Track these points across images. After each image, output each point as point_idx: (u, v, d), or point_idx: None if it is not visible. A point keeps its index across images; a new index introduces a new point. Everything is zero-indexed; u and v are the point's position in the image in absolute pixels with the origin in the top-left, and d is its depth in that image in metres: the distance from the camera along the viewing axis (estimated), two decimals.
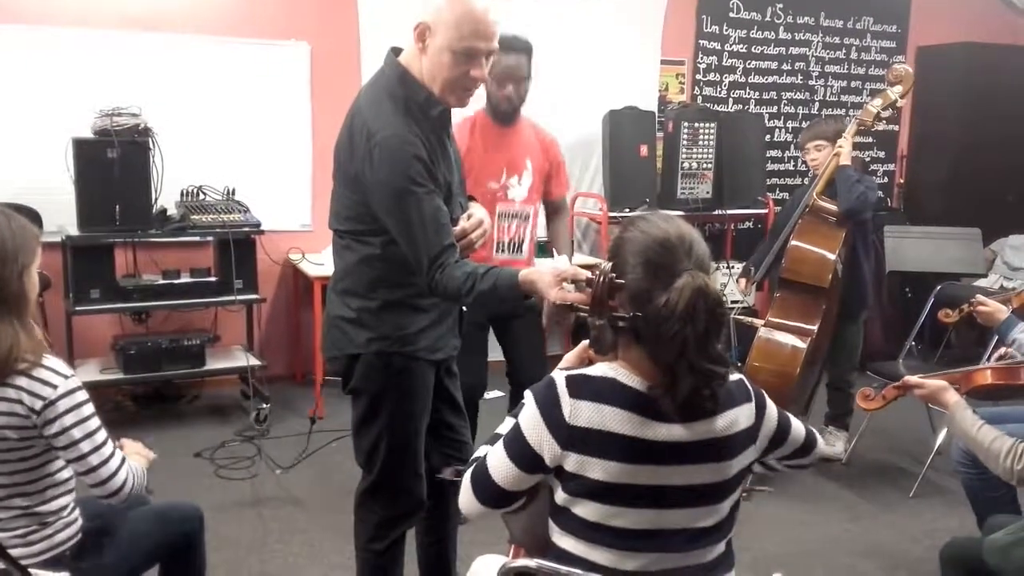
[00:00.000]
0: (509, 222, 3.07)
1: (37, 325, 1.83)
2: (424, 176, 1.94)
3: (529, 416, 1.44)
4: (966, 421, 2.21)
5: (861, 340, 3.98)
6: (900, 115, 6.03)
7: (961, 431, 2.24)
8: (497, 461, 1.48)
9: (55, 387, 1.74)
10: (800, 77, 5.83)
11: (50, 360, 1.77)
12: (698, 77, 5.54)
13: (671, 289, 1.36)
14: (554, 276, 1.75)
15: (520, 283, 1.84)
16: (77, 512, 1.89)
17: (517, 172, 3.06)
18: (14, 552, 1.66)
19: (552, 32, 4.91)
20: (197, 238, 4.27)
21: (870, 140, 6.02)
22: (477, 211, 2.15)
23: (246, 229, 4.10)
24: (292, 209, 4.66)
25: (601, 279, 1.46)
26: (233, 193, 4.28)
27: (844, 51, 5.92)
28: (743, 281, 3.97)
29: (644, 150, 5.04)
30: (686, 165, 5.08)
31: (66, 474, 1.85)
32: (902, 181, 6.23)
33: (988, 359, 3.00)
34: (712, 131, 5.11)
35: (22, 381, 1.72)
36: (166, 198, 4.09)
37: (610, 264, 1.48)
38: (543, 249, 3.52)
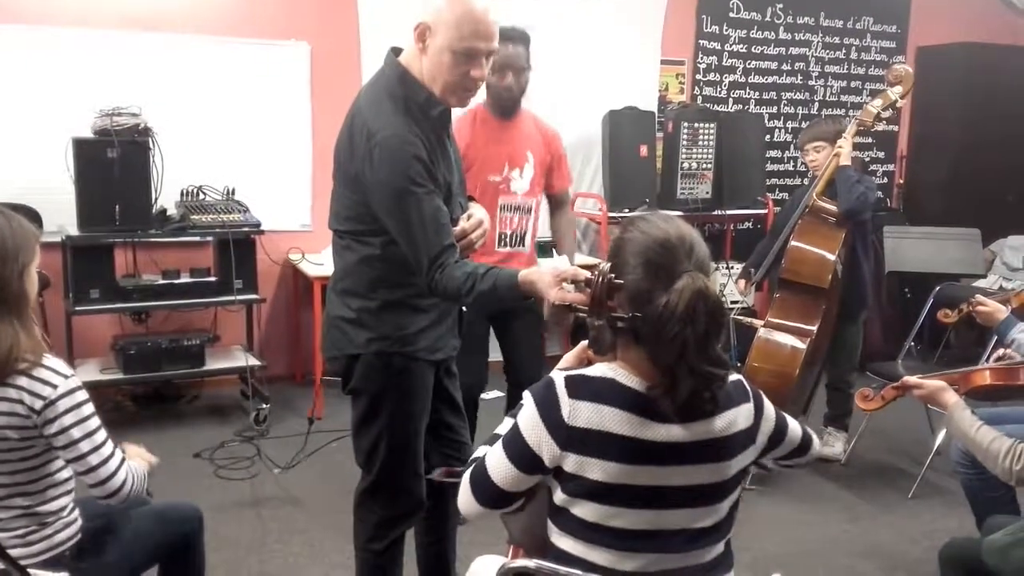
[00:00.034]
0: (511, 215, 3.07)
1: (36, 325, 1.83)
2: (424, 176, 1.94)
3: (528, 417, 1.44)
4: (965, 422, 2.21)
5: (861, 340, 3.98)
6: (900, 115, 6.03)
7: (960, 432, 2.24)
8: (496, 462, 1.48)
9: (55, 387, 1.74)
10: (800, 77, 5.83)
11: (50, 360, 1.77)
12: (698, 77, 5.54)
13: (671, 291, 1.36)
14: (554, 276, 1.75)
15: (520, 283, 1.84)
16: (77, 512, 1.89)
17: (519, 165, 3.06)
18: (14, 552, 1.66)
19: (552, 32, 4.91)
20: (197, 238, 4.28)
21: (870, 140, 6.02)
22: (477, 211, 2.15)
23: (246, 229, 4.10)
24: (292, 209, 4.66)
25: (600, 279, 1.46)
26: (233, 193, 4.28)
27: (844, 51, 5.93)
28: (742, 282, 3.97)
29: (644, 150, 5.04)
30: (686, 165, 5.08)
31: (66, 474, 1.85)
32: (901, 181, 6.23)
33: (987, 359, 3.00)
34: (712, 131, 5.11)
35: (23, 381, 1.73)
36: (166, 198, 4.09)
37: (609, 264, 1.48)
38: (544, 249, 3.52)
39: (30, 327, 1.78)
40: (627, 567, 1.43)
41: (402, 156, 1.92)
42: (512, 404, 2.13)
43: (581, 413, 1.40)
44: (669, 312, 1.34)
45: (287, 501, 3.39)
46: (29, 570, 1.58)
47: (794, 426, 1.61)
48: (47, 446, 1.78)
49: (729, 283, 4.79)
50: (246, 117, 4.52)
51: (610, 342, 1.48)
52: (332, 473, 3.58)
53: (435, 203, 1.95)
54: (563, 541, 1.47)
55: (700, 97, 5.55)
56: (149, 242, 4.24)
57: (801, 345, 3.43)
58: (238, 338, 4.44)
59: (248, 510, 3.30)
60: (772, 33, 5.68)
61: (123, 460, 1.84)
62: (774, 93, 5.78)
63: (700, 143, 5.09)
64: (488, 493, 1.50)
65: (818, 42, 5.83)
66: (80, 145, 3.80)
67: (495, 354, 3.22)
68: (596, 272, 1.48)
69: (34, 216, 3.79)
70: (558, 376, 1.45)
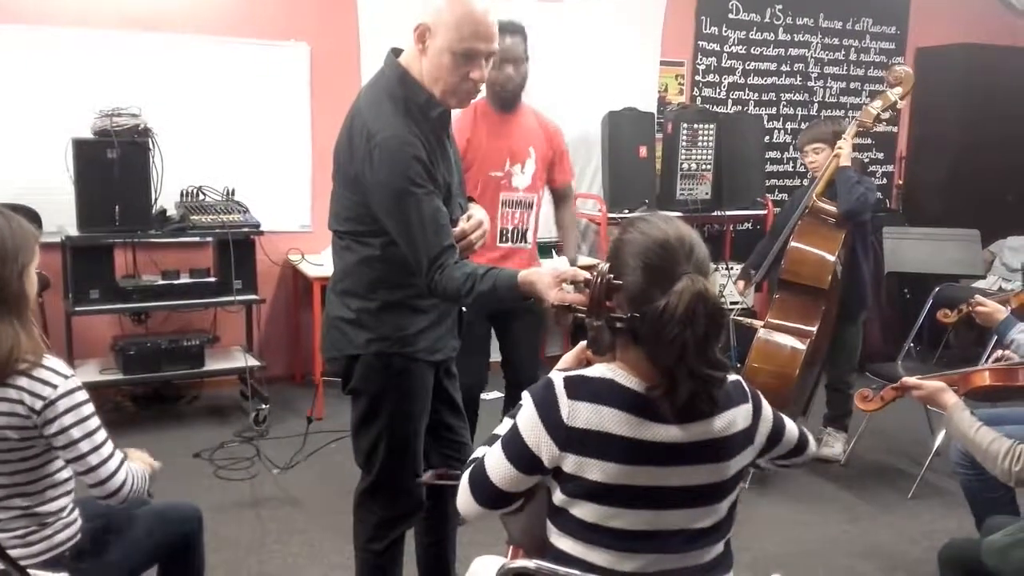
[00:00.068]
0: (512, 210, 3.07)
1: (35, 325, 1.83)
2: (423, 177, 1.94)
3: (527, 417, 1.45)
4: (964, 422, 2.21)
5: (860, 341, 3.98)
6: (899, 116, 6.04)
7: (959, 432, 2.24)
8: (495, 462, 1.48)
9: (55, 387, 1.74)
10: (799, 78, 5.84)
11: (50, 360, 1.77)
12: (697, 78, 5.55)
13: (670, 293, 1.36)
14: (553, 277, 1.75)
15: (519, 284, 1.84)
16: (76, 513, 1.89)
17: (520, 160, 3.06)
18: (13, 553, 1.66)
19: (552, 33, 4.92)
20: (197, 239, 4.28)
21: (869, 141, 6.03)
22: (477, 212, 2.15)
23: (246, 230, 4.10)
24: (292, 210, 4.66)
25: (598, 280, 1.46)
26: (233, 194, 4.29)
27: (843, 52, 5.93)
28: (742, 283, 3.98)
29: (643, 151, 5.05)
30: (685, 166, 5.08)
31: (66, 474, 1.85)
32: (901, 182, 6.23)
33: (986, 360, 3.00)
34: (711, 132, 5.11)
35: (23, 381, 1.73)
36: (166, 198, 4.10)
37: (607, 265, 1.48)
38: (544, 250, 3.52)
39: (30, 328, 1.78)
40: (626, 567, 1.43)
41: (402, 157, 1.92)
42: (511, 404, 2.13)
43: (580, 414, 1.40)
44: (669, 314, 1.34)
45: (287, 501, 3.39)
46: (29, 570, 1.58)
47: (791, 427, 1.62)
48: (47, 446, 1.78)
49: (728, 284, 4.80)
50: (246, 118, 4.52)
51: (609, 342, 1.48)
52: (332, 474, 3.58)
53: (435, 204, 1.95)
54: (562, 541, 1.47)
55: (699, 98, 5.55)
56: (149, 242, 4.24)
57: (801, 346, 3.43)
58: (238, 339, 4.44)
59: (248, 510, 3.30)
60: (771, 34, 5.69)
61: (123, 460, 1.84)
62: (773, 94, 5.78)
63: (699, 144, 5.09)
64: (487, 493, 1.50)
65: (817, 43, 5.83)
66: (80, 145, 3.80)
67: (496, 355, 3.23)
68: (595, 273, 1.48)
69: (34, 216, 3.79)
70: (557, 377, 1.45)
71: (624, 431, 1.39)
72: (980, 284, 4.95)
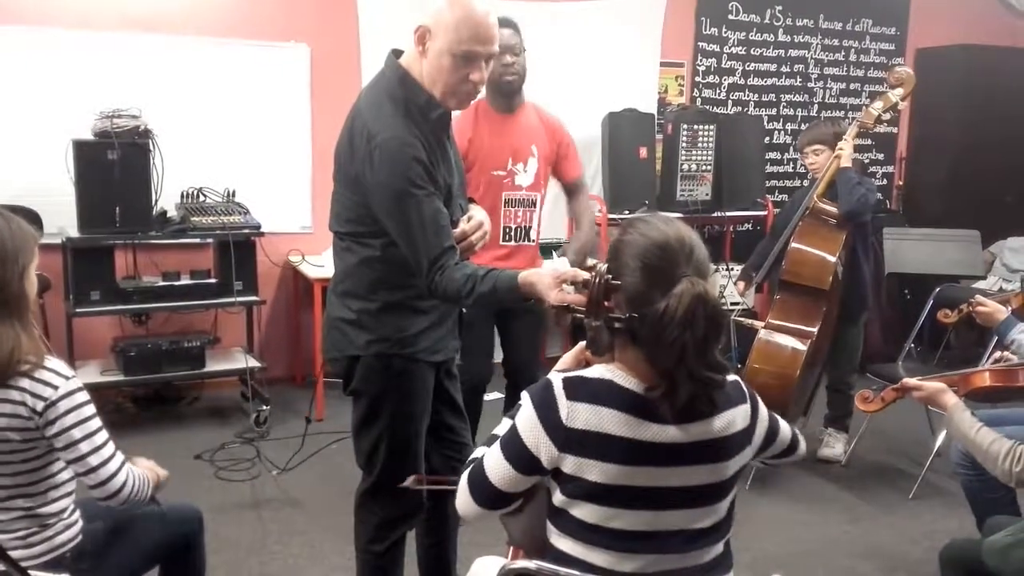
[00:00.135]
0: (515, 209, 3.07)
1: (36, 327, 1.84)
2: (424, 178, 1.94)
3: (526, 418, 1.45)
4: (964, 423, 2.22)
5: (861, 342, 3.98)
6: (899, 117, 6.03)
7: (960, 433, 2.24)
8: (494, 463, 1.48)
9: (56, 388, 1.74)
10: (799, 79, 5.84)
11: (52, 361, 1.78)
12: (697, 79, 5.55)
13: (670, 295, 1.36)
14: (554, 278, 1.76)
15: (520, 285, 1.85)
16: (78, 514, 1.89)
17: (522, 159, 3.06)
18: (14, 554, 1.66)
19: (551, 34, 4.92)
20: (197, 240, 4.28)
21: (869, 142, 6.02)
22: (477, 213, 2.16)
23: (246, 231, 4.10)
24: (292, 211, 4.67)
25: (597, 280, 1.46)
26: (233, 195, 4.29)
27: (843, 53, 5.93)
28: (742, 284, 3.98)
29: (643, 152, 5.05)
30: (685, 167, 5.09)
31: (67, 476, 1.85)
32: (901, 183, 6.23)
33: (987, 360, 3.00)
34: (711, 133, 5.11)
35: (24, 383, 1.73)
36: (166, 200, 4.10)
37: (606, 265, 1.48)
38: (545, 250, 3.52)
39: (31, 329, 1.78)
40: (626, 568, 1.43)
41: (402, 158, 1.93)
42: (511, 404, 2.13)
43: (579, 415, 1.41)
44: (669, 317, 1.34)
45: (287, 503, 3.39)
46: (30, 572, 1.58)
47: (785, 427, 1.63)
48: (48, 448, 1.78)
49: (729, 285, 4.80)
50: (246, 119, 4.53)
51: (608, 343, 1.48)
52: (332, 475, 3.58)
53: (435, 205, 1.95)
54: (562, 542, 1.47)
55: (699, 99, 5.55)
56: (149, 244, 4.25)
57: (802, 347, 3.44)
58: (238, 340, 4.44)
59: (248, 511, 3.31)
60: (771, 35, 5.69)
61: (124, 462, 1.84)
62: (773, 95, 5.78)
63: (699, 145, 5.09)
64: (486, 494, 1.50)
65: (817, 44, 5.84)
66: (80, 147, 3.81)
67: (498, 353, 3.23)
68: (593, 273, 1.48)
69: (34, 218, 3.79)
70: (556, 378, 1.45)
71: (623, 432, 1.39)
72: (980, 285, 4.95)
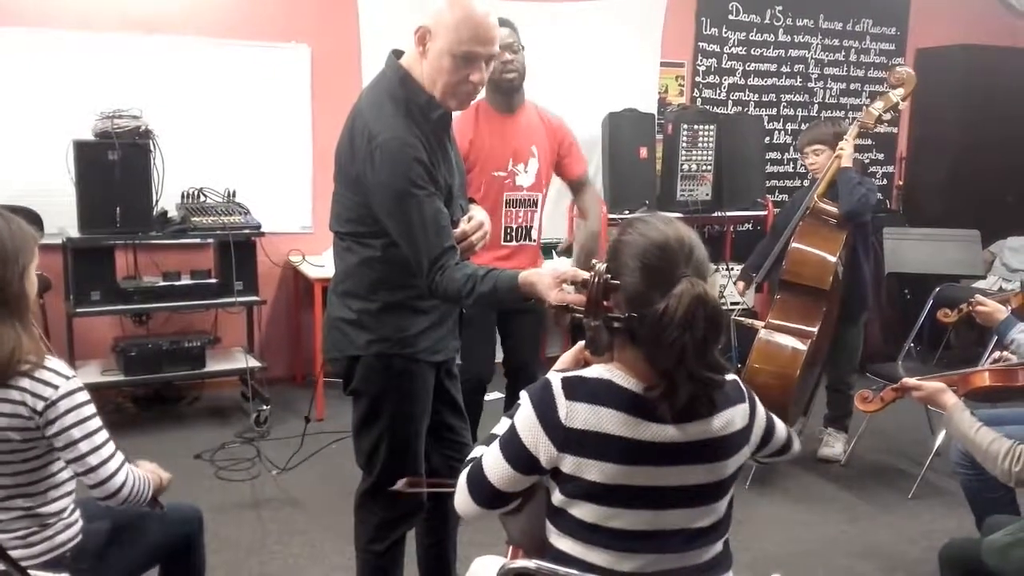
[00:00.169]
0: (516, 209, 3.08)
1: (37, 327, 1.84)
2: (424, 178, 1.95)
3: (525, 417, 1.45)
4: (964, 423, 2.22)
5: (861, 342, 3.98)
6: (899, 117, 6.03)
7: (959, 433, 2.24)
8: (493, 462, 1.49)
9: (56, 387, 1.74)
10: (799, 79, 5.84)
11: (52, 361, 1.78)
12: (697, 79, 5.55)
13: (670, 296, 1.36)
14: (554, 278, 1.76)
15: (520, 285, 1.85)
16: (77, 514, 1.90)
17: (523, 159, 3.06)
18: (14, 554, 1.66)
19: (552, 35, 4.93)
20: (198, 240, 4.28)
21: (869, 142, 6.02)
22: (478, 213, 2.16)
23: (246, 231, 4.11)
24: (292, 211, 4.67)
25: (596, 280, 1.46)
26: (234, 195, 4.29)
27: (843, 53, 5.93)
28: (741, 284, 3.98)
29: (644, 152, 5.05)
30: (685, 167, 5.09)
31: (67, 475, 1.86)
32: (901, 183, 6.23)
33: (986, 360, 3.00)
34: (711, 133, 5.11)
35: (25, 383, 1.73)
36: (167, 200, 4.10)
37: (604, 265, 1.48)
38: (544, 250, 3.53)
39: (31, 329, 1.79)
40: (625, 567, 1.44)
41: (403, 158, 1.93)
42: (511, 404, 2.14)
43: (578, 415, 1.41)
44: (668, 318, 1.35)
45: (287, 502, 3.39)
46: (30, 571, 1.58)
47: (780, 426, 1.64)
48: (48, 447, 1.78)
49: (729, 284, 4.80)
50: (247, 119, 4.53)
51: (607, 343, 1.49)
52: (332, 474, 3.59)
53: (435, 205, 1.95)
54: (562, 542, 1.47)
55: (699, 99, 5.55)
56: (150, 244, 4.25)
57: (802, 346, 3.44)
58: (239, 340, 4.44)
59: (248, 511, 3.31)
60: (771, 35, 5.69)
61: (124, 462, 1.84)
62: (773, 95, 5.78)
63: (700, 145, 5.09)
64: (485, 493, 1.50)
65: (817, 44, 5.83)
66: (81, 147, 3.81)
67: (499, 352, 3.24)
68: (592, 273, 1.48)
69: (35, 218, 3.79)
70: (555, 377, 1.45)
71: (622, 431, 1.40)
72: (980, 284, 4.96)
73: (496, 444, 1.50)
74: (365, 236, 2.04)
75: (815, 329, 3.47)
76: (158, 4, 4.35)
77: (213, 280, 4.15)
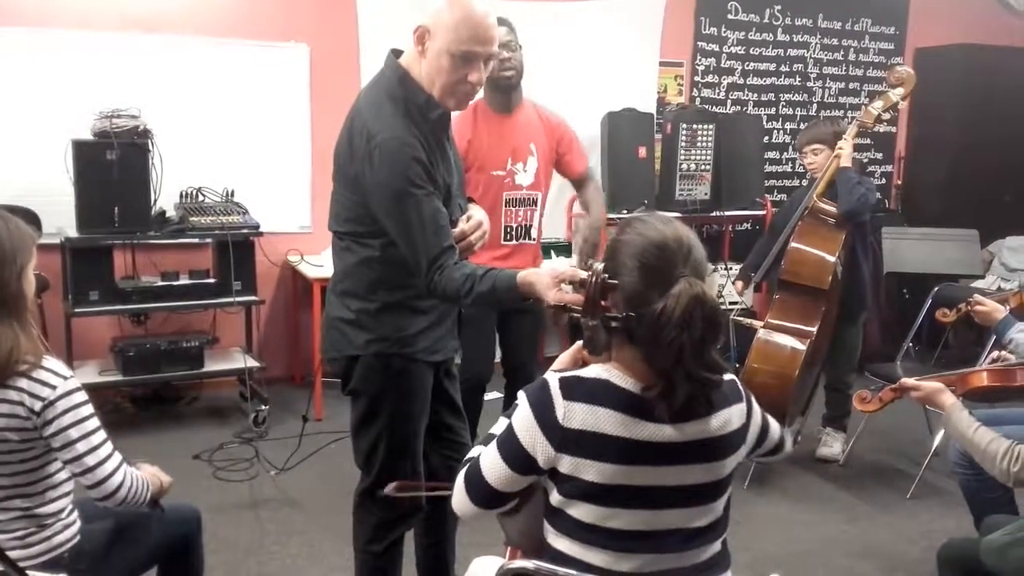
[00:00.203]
0: (516, 208, 3.08)
1: (35, 327, 1.84)
2: (423, 178, 1.95)
3: (522, 417, 1.45)
4: (962, 423, 2.22)
5: (860, 342, 3.98)
6: (898, 117, 6.03)
7: (958, 433, 2.24)
8: (491, 462, 1.49)
9: (54, 388, 1.74)
10: (798, 79, 5.84)
11: (50, 361, 1.78)
12: (696, 79, 5.55)
13: (668, 296, 1.36)
14: (552, 278, 1.76)
15: (519, 285, 1.85)
16: (76, 514, 1.89)
17: (522, 159, 3.06)
18: (12, 554, 1.66)
19: (551, 34, 4.92)
20: (196, 240, 4.28)
21: (868, 142, 6.02)
22: (476, 213, 2.16)
23: (245, 231, 4.10)
24: (291, 211, 4.67)
25: (594, 280, 1.46)
26: (232, 195, 4.29)
27: (842, 53, 5.93)
28: (740, 284, 3.98)
29: (643, 151, 5.05)
30: (684, 166, 5.09)
31: (64, 476, 1.85)
32: (900, 182, 6.23)
33: (984, 360, 3.00)
34: (710, 133, 5.11)
35: (23, 383, 1.73)
36: (165, 200, 4.10)
37: (602, 265, 1.48)
38: (543, 250, 3.53)
39: (29, 329, 1.79)
40: (624, 567, 1.44)
41: (401, 158, 1.93)
42: (509, 404, 2.13)
43: (576, 415, 1.41)
44: (666, 317, 1.35)
45: (286, 503, 3.39)
46: (28, 572, 1.58)
47: (774, 426, 1.65)
48: (46, 448, 1.78)
49: (728, 284, 4.80)
50: (245, 119, 4.53)
51: (604, 342, 1.49)
52: (331, 474, 3.58)
53: (434, 205, 1.95)
54: (560, 542, 1.47)
55: (698, 99, 5.56)
56: (148, 244, 4.25)
57: (801, 346, 3.44)
58: (237, 340, 4.44)
59: (247, 512, 3.31)
60: (770, 35, 5.69)
61: (122, 462, 1.84)
62: (772, 95, 5.78)
63: (699, 144, 5.09)
64: (482, 493, 1.50)
65: (816, 44, 5.84)
66: (79, 147, 3.81)
67: (498, 351, 3.24)
68: (590, 272, 1.48)
69: (33, 218, 3.79)
70: (552, 377, 1.45)
71: (620, 431, 1.40)
72: (979, 284, 4.96)
73: (494, 444, 1.50)
74: (364, 236, 2.04)
75: (814, 329, 3.47)
76: (157, 4, 4.35)
77: (211, 280, 4.14)
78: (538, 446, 1.43)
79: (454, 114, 2.13)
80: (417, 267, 1.96)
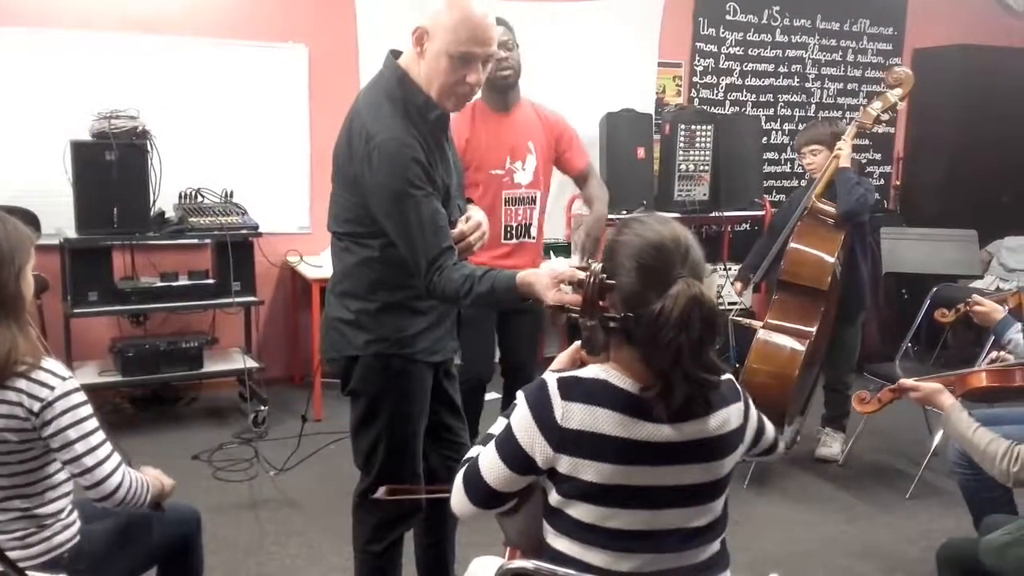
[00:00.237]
0: (515, 207, 3.08)
1: (34, 327, 1.84)
2: (422, 179, 1.95)
3: (521, 418, 1.45)
4: (962, 423, 2.22)
5: (859, 342, 3.99)
6: (897, 117, 6.04)
7: (957, 433, 2.25)
8: (489, 462, 1.49)
9: (52, 388, 1.74)
10: (797, 79, 5.84)
11: (48, 362, 1.78)
12: (695, 79, 5.55)
13: (666, 296, 1.36)
14: (551, 278, 1.75)
15: (518, 285, 1.85)
16: (75, 515, 1.89)
17: (520, 157, 3.06)
18: (12, 555, 1.66)
19: (549, 35, 4.93)
20: (195, 240, 4.28)
21: (867, 142, 6.03)
22: (476, 214, 2.16)
23: (244, 231, 4.10)
24: (290, 211, 4.67)
25: (592, 280, 1.46)
26: (231, 195, 4.28)
27: (840, 53, 5.93)
28: (739, 284, 3.98)
29: (641, 152, 5.05)
30: (683, 167, 5.09)
31: (64, 476, 1.85)
32: (898, 183, 6.24)
33: (983, 360, 3.00)
34: (709, 133, 5.12)
35: (21, 383, 1.73)
36: (164, 200, 4.10)
37: (600, 265, 1.48)
38: (546, 250, 3.53)
39: (27, 330, 1.79)
40: (623, 567, 1.44)
41: (400, 159, 1.93)
42: (508, 404, 2.14)
43: (574, 415, 1.41)
44: (664, 318, 1.35)
45: (285, 503, 3.39)
46: (27, 572, 1.58)
47: (769, 427, 1.66)
48: (45, 448, 1.78)
49: (727, 284, 4.80)
50: (244, 119, 4.53)
51: (603, 343, 1.49)
52: (331, 475, 3.58)
53: (433, 205, 1.95)
54: (559, 542, 1.47)
55: (697, 99, 5.56)
56: (147, 244, 4.24)
57: (800, 347, 3.44)
58: (236, 340, 4.44)
59: (246, 512, 3.31)
60: (769, 35, 5.69)
61: (121, 463, 1.84)
62: (771, 95, 5.78)
63: (697, 145, 5.10)
64: (481, 493, 1.50)
65: (815, 44, 5.84)
66: (78, 148, 3.81)
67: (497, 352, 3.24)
68: (588, 273, 1.48)
69: (32, 219, 3.80)
70: (551, 378, 1.45)
71: (618, 432, 1.40)
72: (977, 284, 4.96)
73: (492, 444, 1.50)
74: (363, 236, 2.04)
75: (813, 329, 3.47)
76: (156, 4, 4.35)
77: (211, 281, 4.14)
78: (536, 446, 1.43)
79: (453, 114, 2.13)
80: (416, 268, 1.96)
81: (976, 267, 5.05)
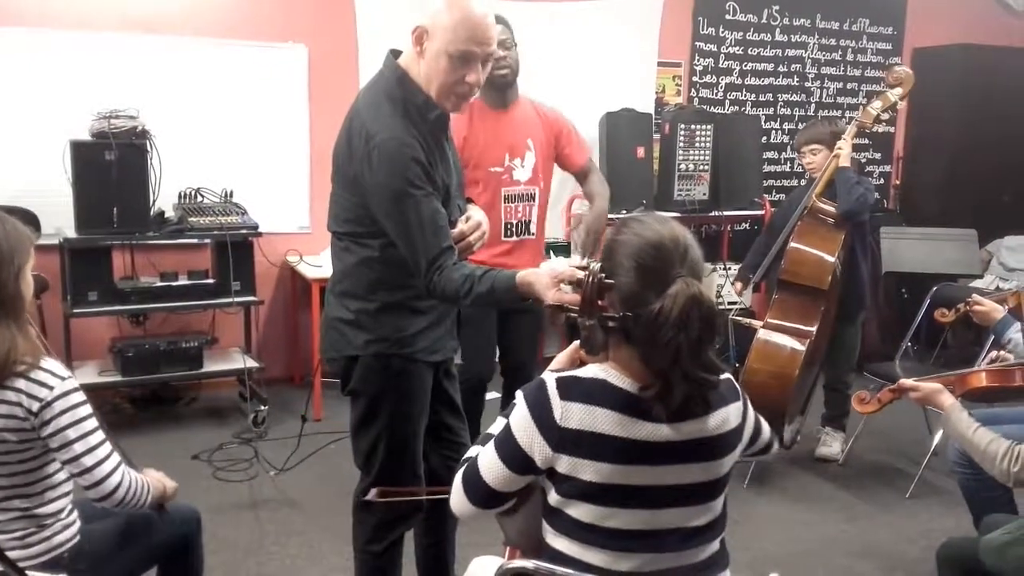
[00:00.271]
0: (515, 204, 3.08)
1: (33, 327, 1.84)
2: (422, 179, 1.95)
3: (520, 418, 1.45)
4: (962, 423, 2.22)
5: (859, 341, 3.98)
6: (897, 117, 6.04)
7: (957, 433, 2.25)
8: (488, 462, 1.49)
9: (51, 388, 1.74)
10: (796, 79, 5.84)
11: (48, 362, 1.78)
12: (695, 79, 5.55)
13: (665, 296, 1.36)
14: (551, 277, 1.75)
15: (518, 285, 1.85)
16: (75, 514, 1.89)
17: (519, 154, 3.06)
18: (12, 554, 1.66)
19: (549, 34, 4.93)
20: (195, 240, 4.28)
21: (867, 142, 6.03)
22: (475, 213, 2.16)
23: (244, 231, 4.10)
24: (290, 211, 4.67)
25: (590, 279, 1.46)
26: (231, 195, 4.28)
27: (840, 53, 5.93)
28: (739, 284, 3.98)
29: (641, 152, 5.06)
30: (683, 167, 5.09)
31: (63, 476, 1.85)
32: (898, 182, 6.24)
33: (983, 360, 3.00)
34: (709, 133, 5.12)
35: (21, 383, 1.73)
36: (164, 200, 4.10)
37: (599, 265, 1.48)
38: (545, 250, 3.53)
39: (27, 330, 1.79)
40: (623, 567, 1.44)
41: (400, 158, 1.93)
42: (508, 404, 2.14)
43: (573, 415, 1.41)
44: (663, 318, 1.35)
45: (285, 503, 3.39)
46: (27, 572, 1.58)
47: (765, 426, 1.66)
48: (44, 448, 1.78)
49: (726, 284, 4.80)
50: (244, 119, 4.53)
51: (602, 342, 1.49)
52: (330, 475, 3.58)
53: (433, 205, 1.95)
54: (558, 542, 1.47)
55: (697, 99, 5.56)
56: (147, 244, 4.24)
57: (800, 346, 3.44)
58: (236, 340, 4.44)
59: (246, 512, 3.31)
60: (768, 35, 5.69)
61: (120, 463, 1.84)
62: (770, 95, 5.78)
63: (697, 145, 5.10)
64: (480, 493, 1.50)
65: (814, 44, 5.84)
66: (78, 147, 3.80)
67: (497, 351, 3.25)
68: (587, 272, 1.48)
69: (32, 219, 3.80)
70: (550, 377, 1.45)
71: (617, 431, 1.40)
72: (977, 284, 4.96)
73: (491, 444, 1.50)
74: (363, 236, 2.04)
75: (813, 329, 3.47)
76: (156, 4, 4.35)
77: (210, 280, 4.14)
78: (535, 446, 1.43)
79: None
80: (416, 268, 1.96)
81: (976, 267, 5.05)
